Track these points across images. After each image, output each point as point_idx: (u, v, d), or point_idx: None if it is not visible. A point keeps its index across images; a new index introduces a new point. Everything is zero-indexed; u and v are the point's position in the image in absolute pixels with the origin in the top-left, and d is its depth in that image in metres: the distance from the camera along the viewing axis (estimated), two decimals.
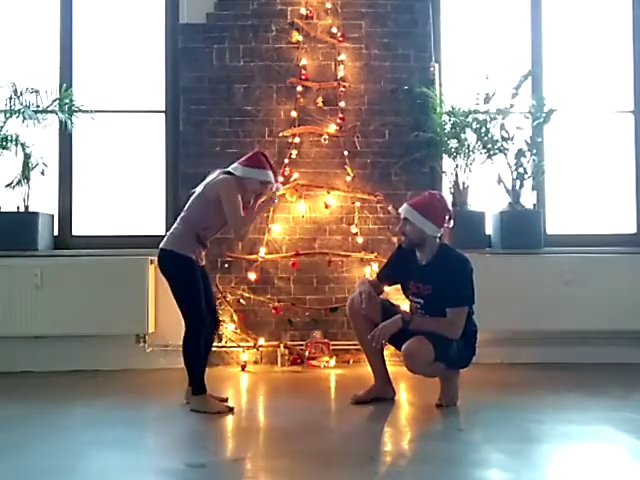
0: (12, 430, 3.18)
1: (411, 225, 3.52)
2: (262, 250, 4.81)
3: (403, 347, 3.40)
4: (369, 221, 4.90)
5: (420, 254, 3.58)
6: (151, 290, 4.66)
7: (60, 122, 4.78)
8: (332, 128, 4.89)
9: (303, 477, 2.57)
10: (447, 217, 3.54)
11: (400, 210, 3.61)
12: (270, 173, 3.60)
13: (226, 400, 3.69)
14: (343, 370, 4.61)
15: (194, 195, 3.64)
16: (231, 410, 3.49)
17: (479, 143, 4.81)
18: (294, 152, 4.87)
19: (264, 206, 3.75)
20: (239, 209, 3.47)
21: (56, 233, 4.94)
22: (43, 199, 4.89)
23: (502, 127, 4.80)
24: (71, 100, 4.77)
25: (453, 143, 4.83)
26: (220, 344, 4.69)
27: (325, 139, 4.89)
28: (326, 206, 4.86)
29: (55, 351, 4.65)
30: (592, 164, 5.14)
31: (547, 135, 4.99)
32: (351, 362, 4.76)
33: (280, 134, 4.88)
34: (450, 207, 3.60)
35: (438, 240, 3.58)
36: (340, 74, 4.90)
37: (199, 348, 3.51)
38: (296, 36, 4.92)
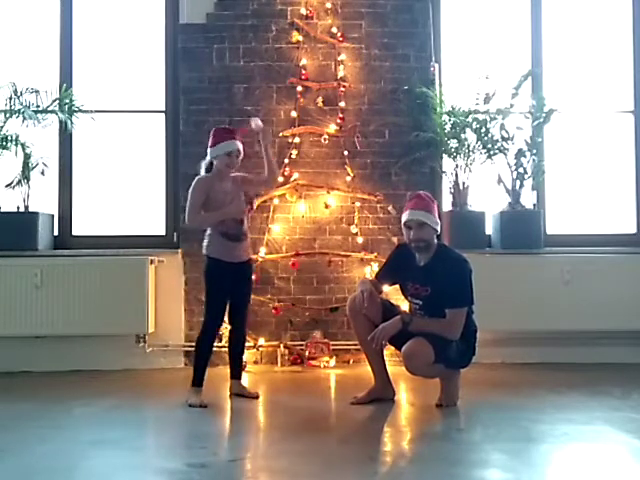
0: (12, 430, 3.18)
1: (427, 229, 3.50)
2: (262, 250, 4.81)
3: (402, 349, 3.40)
4: (369, 221, 4.90)
5: (419, 255, 3.57)
6: (151, 290, 4.66)
7: (60, 122, 4.77)
8: (332, 128, 4.88)
9: (303, 477, 2.57)
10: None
11: (412, 218, 3.49)
12: (229, 142, 3.67)
13: (256, 397, 3.79)
14: (343, 370, 4.61)
15: None
16: (205, 406, 3.59)
17: (479, 143, 4.80)
18: (294, 152, 4.87)
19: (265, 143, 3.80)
20: (191, 209, 3.66)
21: (56, 233, 4.94)
22: (43, 199, 4.89)
23: (502, 127, 4.80)
24: (71, 100, 4.77)
25: (453, 143, 4.83)
26: (220, 344, 4.68)
27: (325, 139, 4.88)
28: (326, 206, 4.86)
29: (55, 351, 4.66)
30: (592, 164, 5.14)
31: (547, 135, 4.98)
32: (351, 362, 4.76)
33: (280, 134, 4.88)
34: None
35: (436, 240, 3.58)
36: (340, 74, 4.90)
37: (204, 344, 3.71)
38: (296, 36, 4.91)
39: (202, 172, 3.75)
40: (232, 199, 3.72)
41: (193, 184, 3.70)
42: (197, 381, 3.66)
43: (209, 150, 3.71)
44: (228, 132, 3.74)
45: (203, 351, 3.70)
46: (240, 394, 3.80)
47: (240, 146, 3.70)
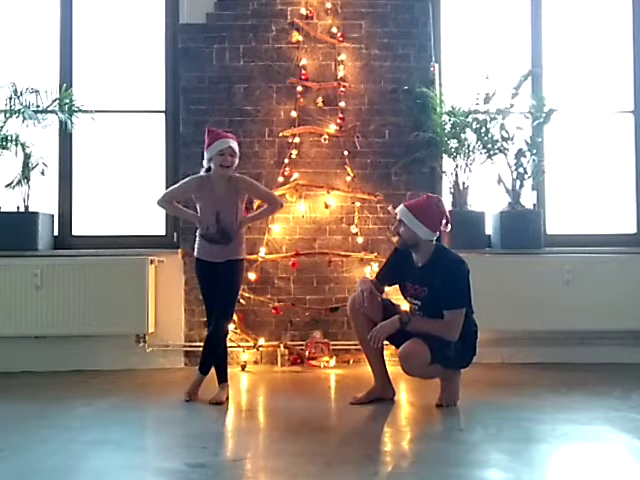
0: (12, 430, 3.18)
1: (405, 227, 3.50)
2: (262, 250, 4.81)
3: (399, 350, 3.40)
4: (369, 221, 4.90)
5: (416, 256, 3.56)
6: (151, 290, 4.66)
7: (60, 122, 4.78)
8: (332, 128, 4.88)
9: (303, 477, 2.57)
10: (444, 221, 3.50)
11: (396, 210, 3.59)
12: (221, 141, 3.66)
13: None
14: (343, 370, 4.61)
15: None
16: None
17: (479, 143, 4.81)
18: (294, 152, 4.87)
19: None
20: (167, 193, 3.83)
21: (56, 233, 4.94)
22: (43, 199, 4.89)
23: (502, 127, 4.81)
24: (71, 100, 4.77)
25: (453, 143, 4.83)
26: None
27: (325, 139, 4.89)
28: (326, 206, 4.86)
29: (55, 351, 4.66)
30: (592, 164, 5.14)
31: (547, 135, 4.99)
32: (351, 362, 4.76)
33: (280, 134, 4.88)
34: (447, 211, 3.55)
35: (434, 242, 3.56)
36: (340, 74, 4.91)
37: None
38: (296, 36, 4.92)
39: (202, 172, 3.77)
40: (218, 210, 3.66)
41: (188, 178, 3.81)
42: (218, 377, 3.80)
43: (206, 152, 3.70)
44: (220, 132, 3.74)
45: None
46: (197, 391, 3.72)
47: (232, 144, 3.67)
